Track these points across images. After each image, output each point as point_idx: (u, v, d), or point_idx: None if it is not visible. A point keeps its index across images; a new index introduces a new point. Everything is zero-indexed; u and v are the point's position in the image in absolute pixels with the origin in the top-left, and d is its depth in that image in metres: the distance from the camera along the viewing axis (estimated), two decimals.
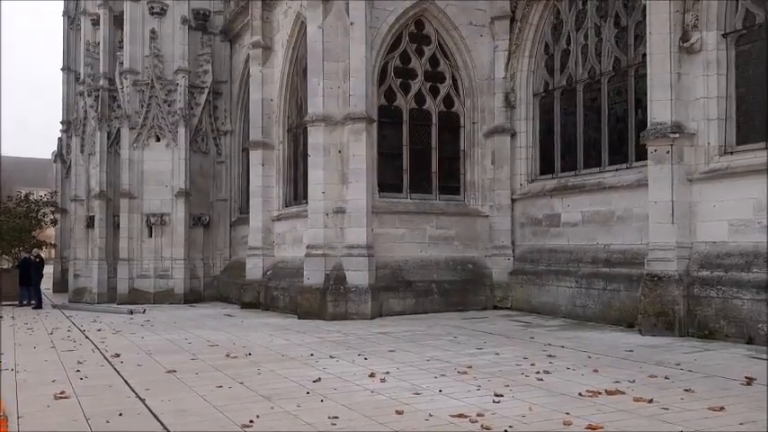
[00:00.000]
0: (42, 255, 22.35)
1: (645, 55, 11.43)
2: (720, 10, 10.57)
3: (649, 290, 10.55)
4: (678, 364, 7.77)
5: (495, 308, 14.93)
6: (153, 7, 20.21)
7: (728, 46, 10.56)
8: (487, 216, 15.50)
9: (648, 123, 10.95)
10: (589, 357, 8.39)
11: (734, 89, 10.50)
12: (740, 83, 10.47)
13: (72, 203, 23.33)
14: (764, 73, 10.07)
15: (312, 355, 8.99)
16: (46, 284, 24.20)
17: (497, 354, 8.78)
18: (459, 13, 15.40)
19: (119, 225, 20.22)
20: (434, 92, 15.53)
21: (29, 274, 20.22)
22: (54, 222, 28.84)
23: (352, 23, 13.97)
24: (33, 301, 19.91)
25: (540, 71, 14.95)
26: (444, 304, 14.58)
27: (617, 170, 12.78)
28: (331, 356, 8.77)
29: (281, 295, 15.96)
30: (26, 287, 20.44)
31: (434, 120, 15.51)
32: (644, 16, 11.38)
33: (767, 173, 9.50)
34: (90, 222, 21.61)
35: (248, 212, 18.19)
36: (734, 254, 9.92)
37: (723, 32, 10.57)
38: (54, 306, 19.71)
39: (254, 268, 17.48)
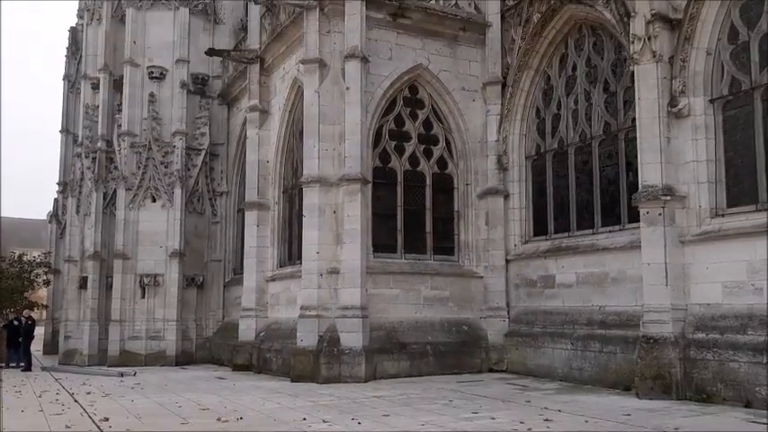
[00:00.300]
0: (33, 316, 22.12)
1: (634, 119, 11.68)
2: (707, 77, 10.88)
3: (645, 352, 10.48)
4: (677, 429, 7.65)
5: (491, 370, 14.75)
6: (152, 72, 20.62)
7: (716, 111, 10.81)
8: (482, 277, 15.49)
9: (640, 186, 11.10)
10: (586, 422, 8.27)
11: (722, 153, 10.70)
12: (728, 147, 10.68)
13: (65, 264, 23.24)
14: (752, 137, 10.29)
15: (305, 419, 8.83)
16: (36, 346, 23.84)
17: (493, 418, 8.65)
18: (452, 79, 15.76)
19: (112, 286, 20.10)
20: (428, 154, 15.73)
21: (17, 336, 19.94)
22: (47, 283, 28.66)
23: (347, 88, 14.27)
24: (22, 363, 19.59)
25: (532, 134, 15.21)
26: (439, 367, 14.41)
27: (610, 232, 12.87)
28: (324, 421, 8.62)
29: (273, 357, 15.76)
30: (14, 349, 20.13)
31: (428, 181, 15.66)
32: (632, 82, 11.67)
33: (766, 234, 9.57)
34: (83, 283, 21.48)
35: (242, 273, 18.13)
36: (728, 316, 9.90)
37: (710, 98, 10.85)
38: (43, 368, 19.39)
39: (247, 330, 17.31)
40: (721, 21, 10.75)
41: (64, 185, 28.60)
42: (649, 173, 10.94)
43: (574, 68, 14.17)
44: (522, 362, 14.27)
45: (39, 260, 27.80)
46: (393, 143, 15.34)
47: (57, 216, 29.88)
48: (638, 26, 11.22)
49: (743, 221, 10.02)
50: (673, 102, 10.92)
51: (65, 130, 30.07)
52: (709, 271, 10.30)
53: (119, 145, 20.70)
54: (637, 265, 11.36)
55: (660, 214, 10.70)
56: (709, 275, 10.28)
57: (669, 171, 10.83)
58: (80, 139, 23.13)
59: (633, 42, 11.29)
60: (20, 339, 20.24)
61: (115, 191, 20.64)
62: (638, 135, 11.27)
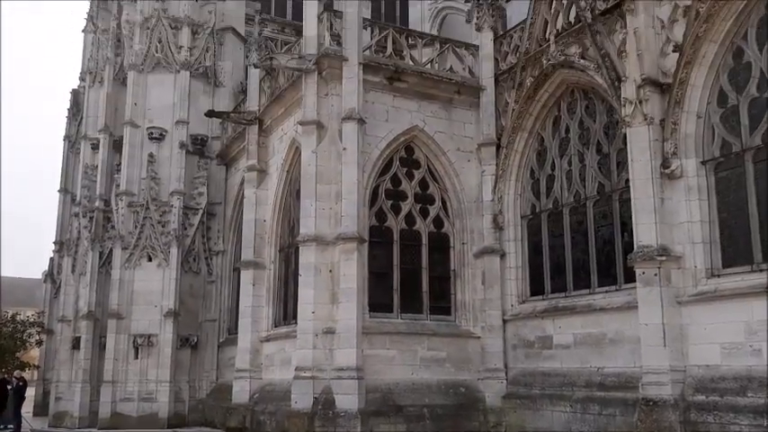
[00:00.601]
0: (25, 377, 21.77)
1: (628, 180, 11.81)
2: (698, 139, 11.06)
3: (645, 415, 10.31)
4: None
5: None
6: (152, 133, 20.88)
7: (708, 173, 10.95)
8: (479, 337, 15.34)
9: (635, 246, 11.14)
10: None
11: (716, 214, 10.79)
12: (722, 208, 10.77)
13: (59, 324, 23.04)
14: (744, 199, 10.40)
15: None
16: (26, 408, 23.37)
17: None
18: (447, 140, 15.97)
19: (105, 346, 19.86)
20: (424, 213, 15.81)
21: (5, 398, 19.57)
22: (39, 343, 28.32)
23: (344, 149, 14.44)
24: (11, 426, 19.16)
25: (527, 194, 15.33)
26: (437, 430, 14.11)
27: (606, 292, 12.83)
28: None
29: (267, 420, 15.43)
30: (4, 410, 19.73)
31: (425, 240, 15.69)
32: (625, 144, 11.85)
33: (764, 294, 9.55)
34: (76, 343, 21.23)
35: (237, 333, 17.93)
36: (728, 378, 9.80)
37: (702, 160, 11.00)
38: (32, 431, 18.95)
39: (241, 391, 17.01)
40: (710, 85, 11.01)
41: (60, 245, 28.58)
42: (644, 233, 11.00)
43: (567, 130, 14.39)
44: (521, 425, 14.00)
45: (32, 320, 27.53)
46: (389, 202, 15.44)
47: (52, 275, 29.75)
48: (629, 90, 11.48)
49: (739, 282, 10.03)
50: (665, 163, 11.07)
51: (63, 190, 30.23)
52: (707, 332, 10.24)
53: (116, 204, 20.80)
54: (634, 325, 11.29)
55: (656, 274, 10.70)
56: (708, 336, 10.22)
57: (664, 231, 10.89)
58: (78, 198, 23.26)
59: (625, 106, 11.52)
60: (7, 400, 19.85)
61: (111, 250, 20.63)
62: (632, 196, 11.39)
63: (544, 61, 14.24)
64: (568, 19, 13.83)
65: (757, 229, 10.16)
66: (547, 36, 14.30)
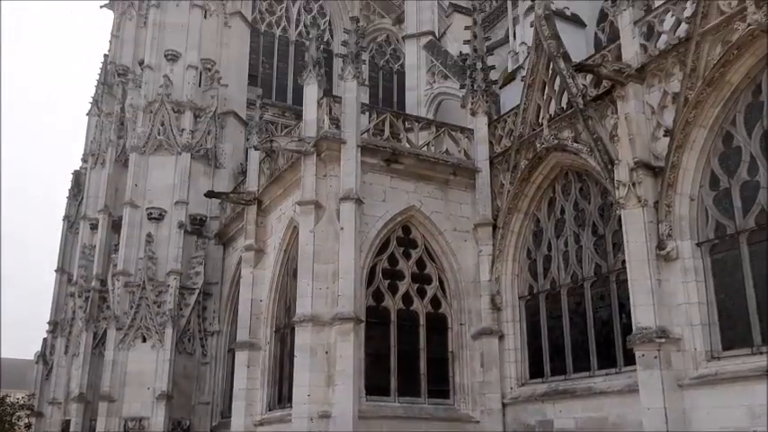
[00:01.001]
0: None
1: (624, 262, 11.84)
2: (692, 221, 11.17)
3: None
4: None
5: None
6: (151, 213, 21.05)
7: (704, 254, 11.01)
8: (478, 422, 14.96)
9: (634, 328, 11.06)
10: None
11: (714, 296, 10.78)
12: (719, 289, 10.77)
13: (49, 406, 22.57)
14: (741, 281, 10.40)
15: None
16: None
17: None
18: (443, 220, 16.09)
19: (95, 429, 19.33)
20: (422, 293, 15.73)
21: None
22: (28, 427, 27.59)
23: (342, 228, 14.52)
24: None
25: (524, 275, 15.31)
26: None
27: (607, 374, 12.63)
28: None
29: None
30: None
31: (422, 321, 15.54)
32: (620, 225, 11.96)
33: (765, 378, 9.42)
34: (65, 427, 20.74)
35: (230, 417, 17.50)
36: None
37: (697, 242, 11.07)
38: None
39: None
40: (702, 168, 11.22)
41: (54, 325, 28.31)
42: (642, 315, 10.95)
43: (562, 212, 14.53)
44: None
45: (22, 402, 26.91)
46: (386, 282, 15.39)
47: (44, 356, 29.26)
48: (622, 173, 11.67)
49: (739, 365, 9.91)
50: (661, 245, 11.14)
51: (60, 270, 30.17)
52: (709, 416, 10.04)
53: (113, 284, 20.73)
54: (636, 409, 11.06)
55: (656, 357, 10.58)
56: (711, 421, 10.01)
57: (662, 313, 10.84)
58: (75, 278, 23.21)
59: (618, 188, 11.69)
60: None
61: (105, 331, 20.43)
62: (629, 277, 11.40)
63: (538, 144, 14.53)
64: (560, 104, 14.21)
65: (755, 311, 10.13)
66: (540, 120, 14.65)
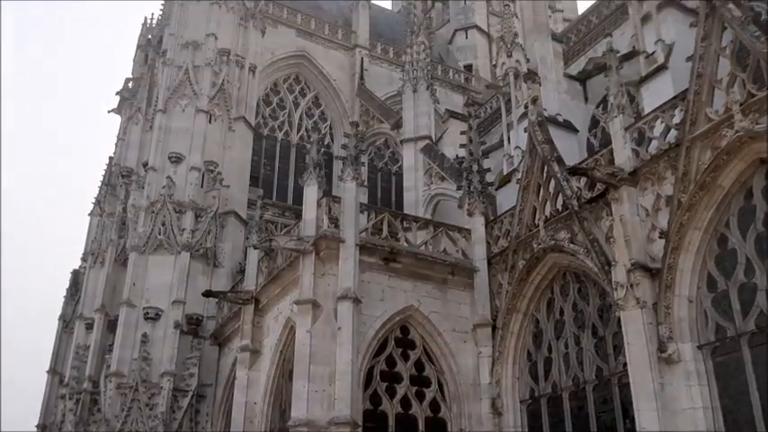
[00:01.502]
0: None
1: (626, 364, 11.66)
2: (692, 323, 11.10)
3: None
4: None
5: None
6: (148, 312, 20.87)
7: (705, 357, 10.87)
8: None
9: None
10: None
11: (718, 400, 10.54)
12: (723, 394, 10.56)
13: None
14: (745, 385, 10.21)
15: None
16: None
17: None
18: (442, 320, 15.94)
19: None
20: (420, 396, 15.35)
21: None
22: None
23: (339, 328, 14.36)
24: None
25: (525, 377, 15.01)
26: None
27: None
28: None
29: None
30: None
31: (421, 426, 15.07)
32: (620, 327, 11.86)
33: None
34: None
35: None
36: None
37: (698, 344, 10.95)
38: None
39: None
40: (699, 270, 11.27)
41: (43, 428, 27.46)
42: (646, 420, 10.69)
43: (561, 313, 14.44)
44: None
45: None
46: (384, 384, 15.06)
47: None
48: (619, 274, 11.70)
49: None
50: (662, 347, 11.02)
51: (52, 371, 29.53)
52: None
53: (105, 386, 20.28)
54: None
55: None
56: None
57: (666, 418, 10.59)
58: (67, 379, 22.74)
59: (616, 289, 11.69)
60: None
61: None
62: (631, 381, 11.23)
63: (535, 245, 14.63)
64: (556, 206, 14.43)
65: (761, 416, 9.89)
66: (536, 221, 14.82)
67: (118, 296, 21.69)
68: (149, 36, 32.71)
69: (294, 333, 15.34)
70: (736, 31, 10.86)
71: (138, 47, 33.62)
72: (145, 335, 20.51)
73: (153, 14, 33.66)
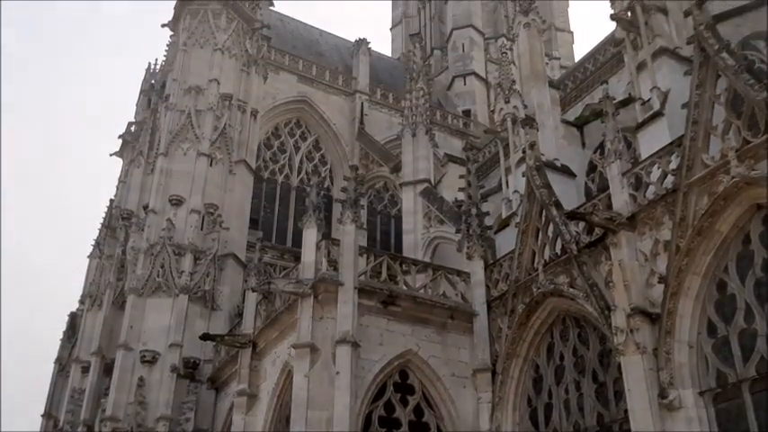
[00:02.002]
0: None
1: (627, 410, 11.54)
2: (692, 369, 11.01)
3: None
4: None
5: None
6: (145, 356, 20.67)
7: (707, 404, 10.77)
8: None
9: None
10: None
11: None
12: None
13: None
14: (746, 431, 10.09)
15: None
16: None
17: None
18: (441, 365, 15.79)
19: None
20: None
21: None
22: None
23: (338, 373, 14.23)
24: None
25: (525, 424, 14.80)
26: None
27: None
28: None
29: None
30: None
31: None
32: (620, 372, 11.76)
33: None
34: None
35: None
36: None
37: (699, 390, 10.85)
38: None
39: None
40: (698, 315, 11.23)
41: None
42: None
43: (561, 358, 14.32)
44: None
45: None
46: (383, 430, 14.85)
47: None
48: (619, 319, 11.66)
49: None
50: (662, 393, 10.92)
51: (47, 414, 29.15)
52: None
53: (100, 430, 19.98)
54: None
55: None
56: None
57: None
58: (61, 423, 22.42)
59: (616, 334, 11.63)
60: None
61: None
62: (632, 428, 11.09)
63: (534, 289, 14.59)
64: (555, 250, 14.45)
65: None
66: (535, 265, 14.82)
67: (115, 339, 21.53)
68: (152, 81, 33.19)
69: (291, 378, 15.20)
70: (731, 80, 11.05)
71: (142, 91, 34.08)
72: (141, 378, 20.29)
73: (156, 60, 34.18)
